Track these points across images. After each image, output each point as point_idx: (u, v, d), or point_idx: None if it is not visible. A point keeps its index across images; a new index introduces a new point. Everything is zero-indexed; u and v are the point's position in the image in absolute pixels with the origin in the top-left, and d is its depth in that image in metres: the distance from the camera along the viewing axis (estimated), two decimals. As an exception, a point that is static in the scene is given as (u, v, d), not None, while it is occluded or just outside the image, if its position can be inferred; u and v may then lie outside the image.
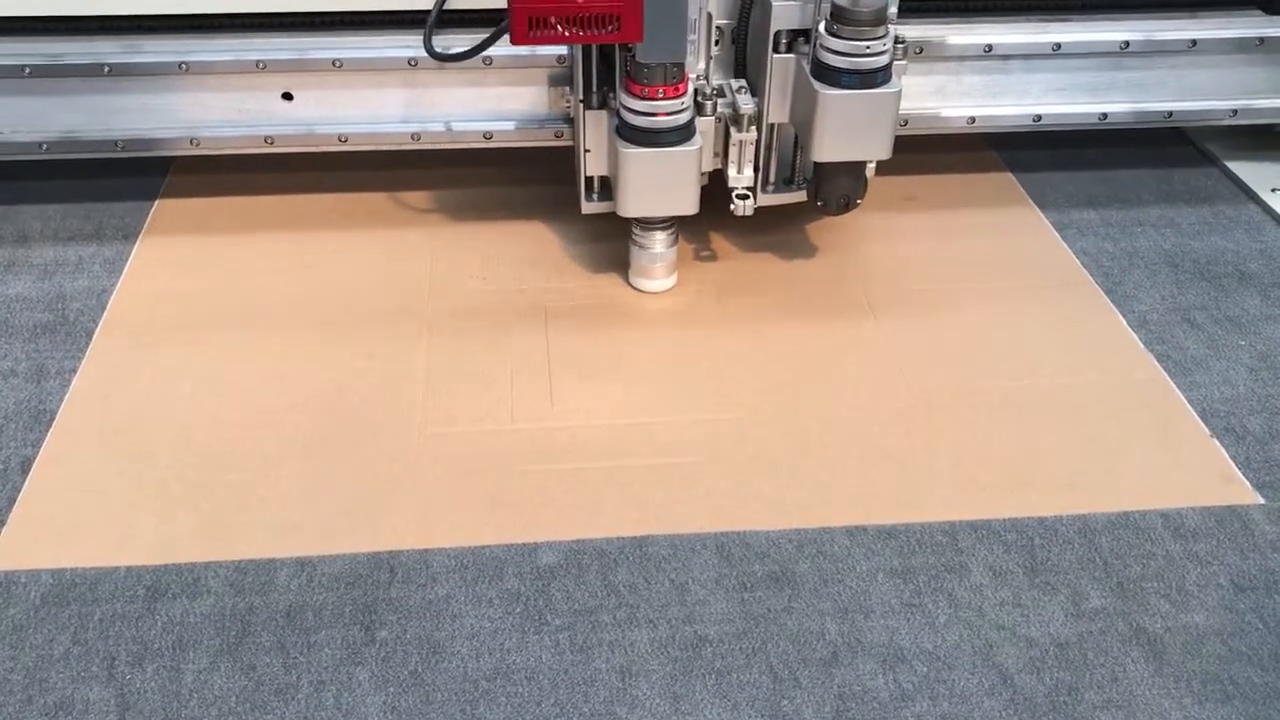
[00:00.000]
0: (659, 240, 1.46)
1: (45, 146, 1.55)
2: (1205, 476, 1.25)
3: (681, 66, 1.31)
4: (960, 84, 1.63)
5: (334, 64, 1.52)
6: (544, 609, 1.09)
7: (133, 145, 1.56)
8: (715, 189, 1.47)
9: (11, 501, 1.19)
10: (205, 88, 1.54)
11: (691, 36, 1.38)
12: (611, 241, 1.54)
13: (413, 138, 1.58)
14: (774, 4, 1.35)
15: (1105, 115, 1.66)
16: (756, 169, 1.45)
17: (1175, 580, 1.13)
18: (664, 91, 1.32)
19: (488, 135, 1.58)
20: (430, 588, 1.11)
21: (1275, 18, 1.67)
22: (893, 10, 1.34)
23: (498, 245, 1.58)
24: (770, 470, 1.24)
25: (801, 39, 1.38)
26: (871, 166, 1.50)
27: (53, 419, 1.29)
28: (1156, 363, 1.40)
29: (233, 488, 1.21)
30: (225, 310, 1.45)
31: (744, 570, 1.13)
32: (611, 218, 1.45)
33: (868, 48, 1.32)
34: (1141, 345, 1.42)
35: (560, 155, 1.57)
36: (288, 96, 1.55)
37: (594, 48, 1.36)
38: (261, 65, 1.52)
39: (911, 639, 1.07)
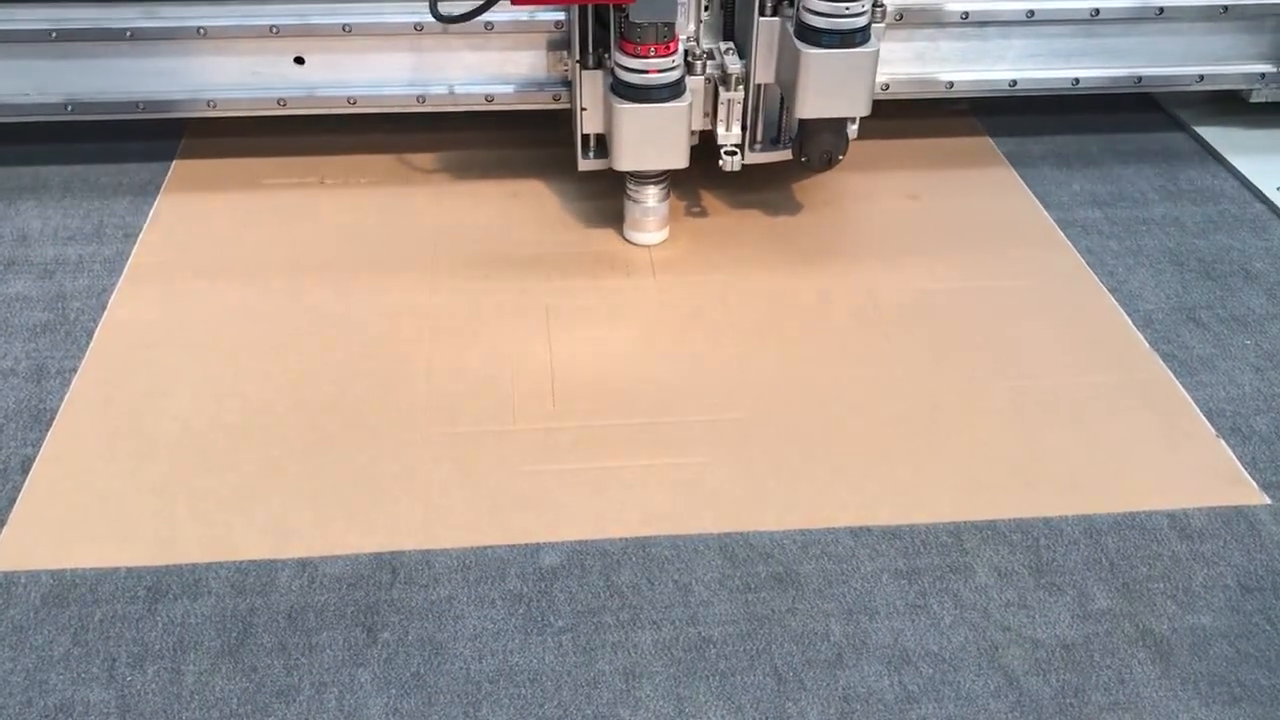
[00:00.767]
0: (651, 195, 1.54)
1: (70, 107, 1.63)
2: (1211, 476, 1.24)
3: (672, 26, 1.40)
4: (938, 50, 1.71)
5: (343, 29, 1.59)
6: (547, 610, 1.09)
7: (152, 107, 1.64)
8: (706, 150, 1.54)
9: (11, 501, 1.18)
10: (221, 52, 1.61)
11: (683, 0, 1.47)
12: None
13: (418, 100, 1.65)
14: None
15: (1078, 80, 1.73)
16: (744, 127, 1.54)
17: (1182, 581, 1.13)
18: (656, 50, 1.41)
19: (489, 98, 1.65)
20: (432, 589, 1.11)
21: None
22: None
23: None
24: (774, 470, 1.23)
25: (786, 2, 1.45)
26: (854, 127, 1.57)
27: (53, 419, 1.29)
28: (1162, 362, 1.39)
29: (234, 488, 1.20)
30: (226, 310, 1.45)
31: (748, 571, 1.13)
32: (607, 175, 1.53)
33: (847, 9, 1.40)
34: (1147, 344, 1.42)
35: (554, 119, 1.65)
36: (299, 60, 1.62)
37: (589, 10, 1.45)
38: (274, 30, 1.59)
39: (917, 640, 1.06)
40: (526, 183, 1.70)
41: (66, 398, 1.31)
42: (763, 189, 1.68)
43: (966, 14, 1.67)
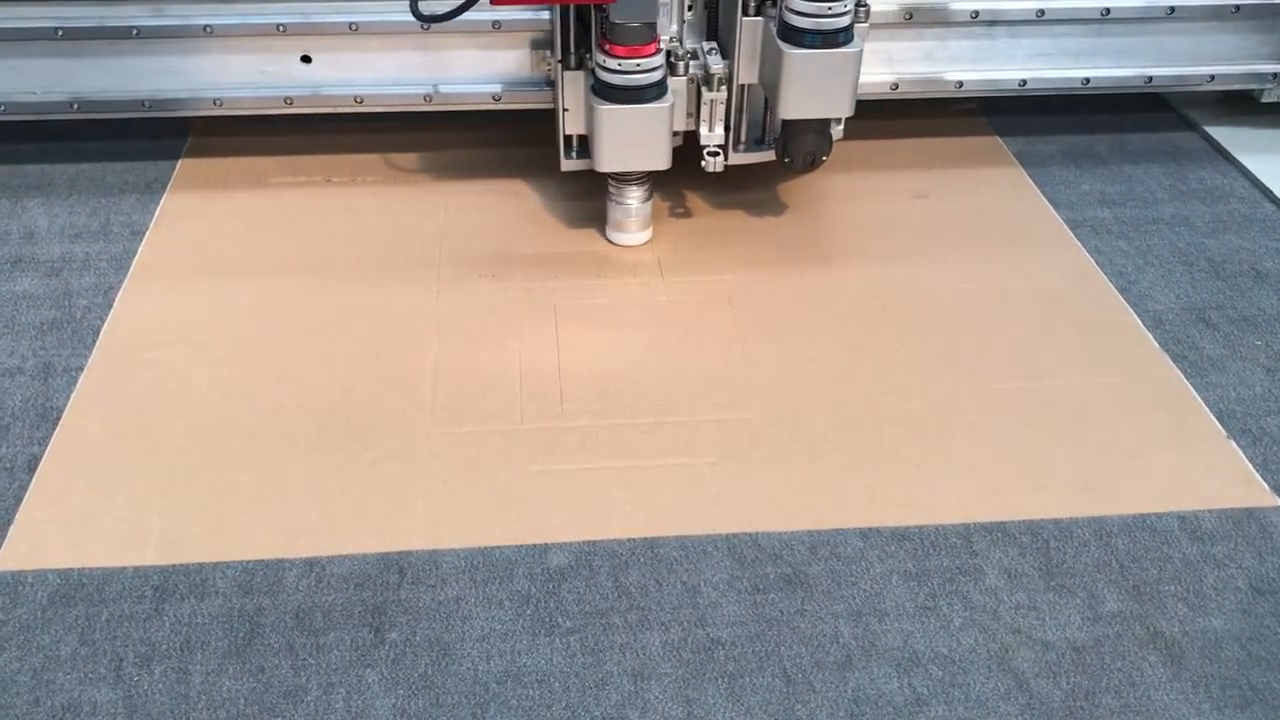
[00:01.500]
0: (634, 195, 1.54)
1: (76, 105, 1.62)
2: (1222, 478, 1.23)
3: (653, 26, 1.40)
4: (947, 49, 1.70)
5: (350, 27, 1.59)
6: (554, 611, 1.08)
7: (159, 105, 1.64)
8: (690, 151, 1.53)
9: (18, 500, 1.18)
10: (228, 50, 1.61)
11: (664, 0, 1.46)
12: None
13: (425, 99, 1.64)
14: None
15: (1088, 80, 1.73)
16: (727, 128, 1.53)
17: (1192, 583, 1.12)
18: (637, 50, 1.39)
19: (496, 97, 1.65)
20: (440, 589, 1.10)
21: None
22: None
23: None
24: (782, 471, 1.23)
25: (769, 2, 1.44)
26: (840, 128, 1.57)
27: (59, 417, 1.28)
28: (1172, 363, 1.38)
29: (241, 488, 1.20)
30: (232, 309, 1.44)
31: (756, 572, 1.12)
32: (590, 175, 1.52)
33: (829, 9, 1.40)
34: (1157, 345, 1.41)
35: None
36: (306, 59, 1.62)
37: (571, 10, 1.43)
38: (281, 29, 1.59)
39: (926, 642, 1.06)
40: (535, 181, 1.69)
41: (73, 396, 1.31)
42: (768, 189, 1.68)
43: (976, 13, 1.66)
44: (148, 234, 1.58)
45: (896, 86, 1.70)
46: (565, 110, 1.49)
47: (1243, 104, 1.83)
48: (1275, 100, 1.79)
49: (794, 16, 1.40)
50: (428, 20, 1.47)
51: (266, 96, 1.63)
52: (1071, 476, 1.23)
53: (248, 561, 1.12)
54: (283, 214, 1.62)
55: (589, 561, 1.13)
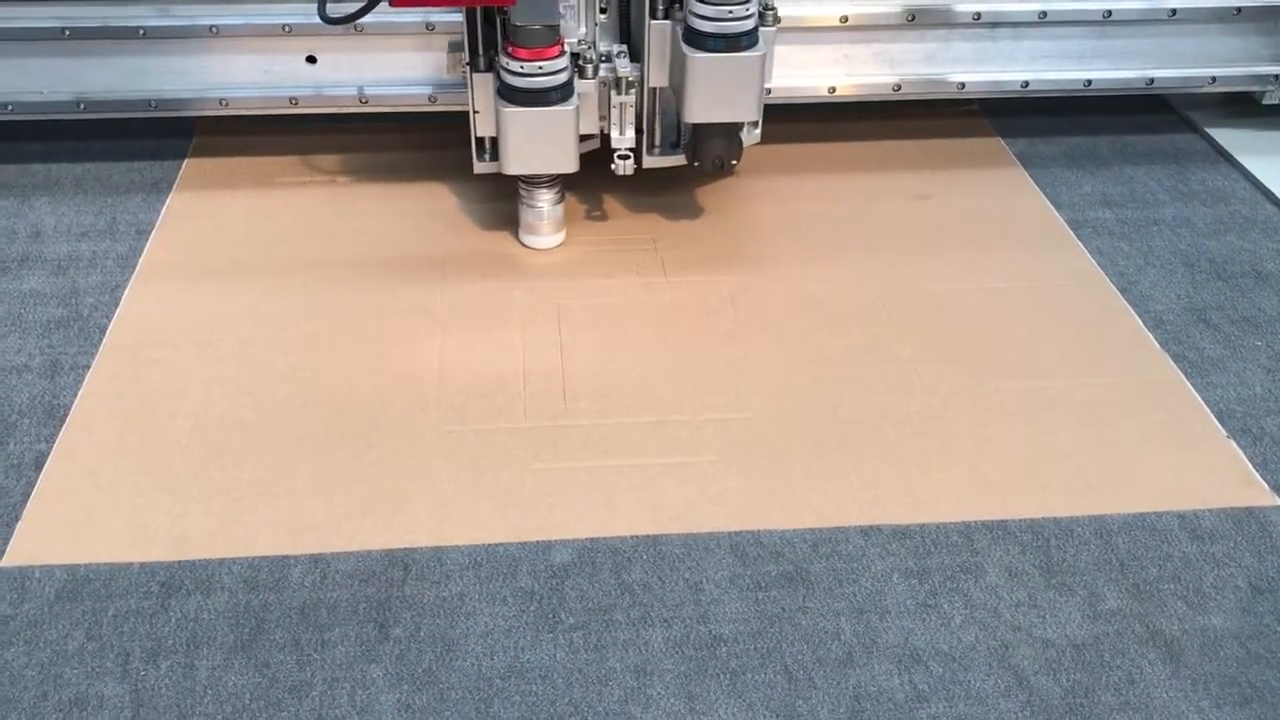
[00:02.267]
0: (544, 198, 1.53)
1: (83, 105, 1.64)
2: (1222, 478, 1.24)
3: (556, 29, 1.39)
4: (950, 51, 1.71)
5: (355, 28, 1.58)
6: (558, 607, 1.09)
7: (165, 105, 1.65)
8: (606, 152, 1.53)
9: (26, 497, 1.19)
10: (233, 50, 1.62)
11: (570, 2, 1.46)
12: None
13: (430, 99, 1.65)
14: None
15: (1089, 82, 1.73)
16: (639, 131, 1.53)
17: (1192, 582, 1.13)
18: (539, 53, 1.39)
19: None
20: (444, 585, 1.11)
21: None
22: None
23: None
24: (784, 469, 1.24)
25: (677, 5, 1.44)
26: (757, 133, 1.57)
27: (67, 414, 1.29)
28: (1173, 363, 1.39)
29: (246, 485, 1.21)
30: (237, 307, 1.45)
31: (758, 570, 1.13)
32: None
33: (730, 12, 1.39)
34: (1158, 345, 1.42)
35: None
36: (311, 59, 1.63)
37: (477, 12, 1.42)
38: (287, 29, 1.59)
39: (927, 640, 1.07)
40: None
41: (80, 394, 1.32)
42: (770, 189, 1.69)
43: (978, 15, 1.67)
44: (154, 233, 1.59)
45: (899, 88, 1.71)
46: (476, 112, 1.49)
47: (1244, 106, 1.83)
48: (1276, 102, 1.79)
49: (697, 20, 1.40)
50: (333, 22, 1.47)
51: (271, 96, 1.64)
52: (1072, 476, 1.23)
53: (253, 558, 1.13)
54: (288, 213, 1.63)
55: (592, 558, 1.14)
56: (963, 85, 1.72)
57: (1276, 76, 1.76)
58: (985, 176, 1.75)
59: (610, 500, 1.20)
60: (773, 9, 1.47)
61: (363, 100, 1.65)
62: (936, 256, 1.56)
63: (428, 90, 1.64)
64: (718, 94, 1.43)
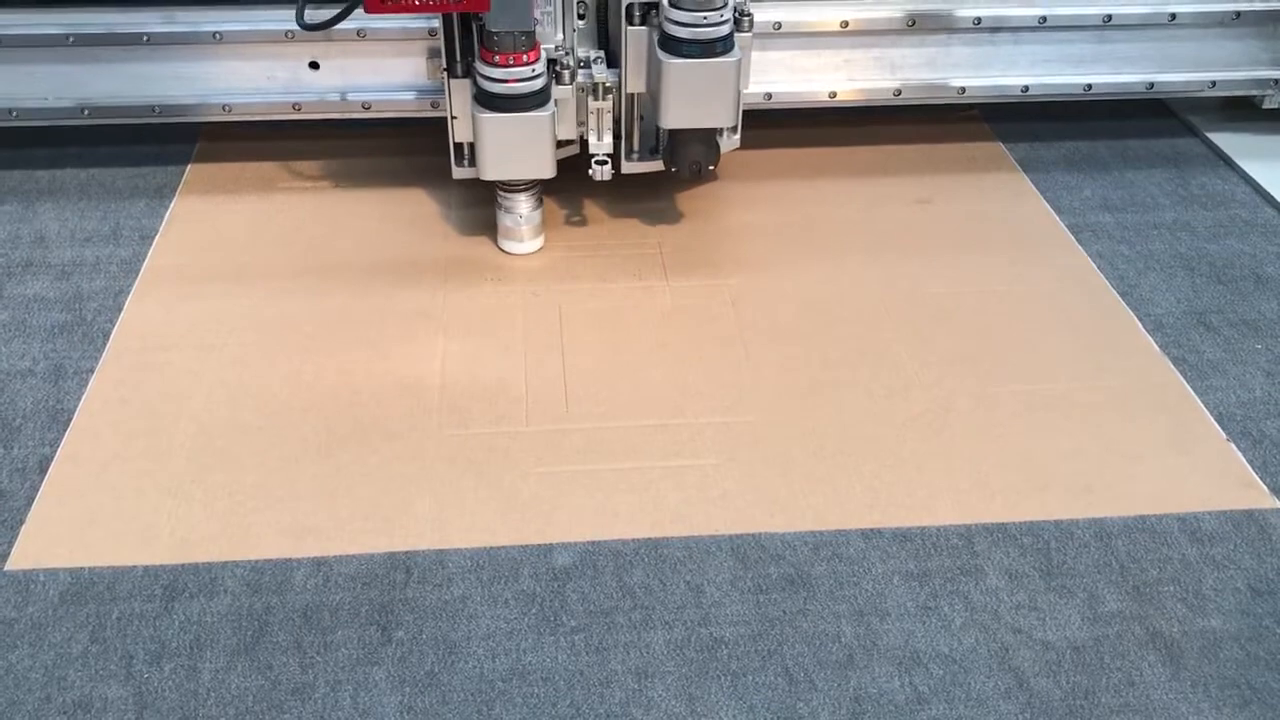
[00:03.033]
0: (522, 204, 1.53)
1: (87, 111, 1.64)
2: (1222, 480, 1.24)
3: (531, 34, 1.39)
4: (950, 55, 1.72)
5: (358, 34, 1.60)
6: (559, 610, 1.10)
7: (168, 111, 1.65)
8: (586, 158, 1.54)
9: (30, 500, 1.20)
10: (237, 56, 1.62)
11: (547, 8, 1.46)
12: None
13: (433, 105, 1.65)
14: None
15: (1090, 86, 1.74)
16: (617, 136, 1.53)
17: (1192, 584, 1.13)
18: (514, 59, 1.39)
19: None
20: (446, 588, 1.11)
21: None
22: None
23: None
24: (785, 472, 1.24)
25: (653, 11, 1.45)
26: (736, 138, 1.57)
27: (70, 418, 1.30)
28: (1173, 366, 1.39)
29: (249, 488, 1.21)
30: (241, 312, 1.46)
31: (759, 572, 1.13)
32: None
33: (705, 18, 1.40)
34: (1158, 349, 1.42)
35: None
36: (314, 65, 1.64)
37: (454, 18, 1.43)
38: (290, 35, 1.60)
39: (927, 642, 1.07)
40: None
41: (84, 398, 1.32)
42: (771, 194, 1.69)
43: (979, 19, 1.68)
44: (157, 238, 1.59)
45: (900, 93, 1.71)
46: (454, 118, 1.49)
47: (1244, 110, 1.84)
48: (1276, 106, 1.80)
49: (672, 26, 1.40)
50: (311, 28, 1.49)
51: (275, 102, 1.65)
52: (1072, 478, 1.24)
53: (256, 561, 1.14)
54: (291, 218, 1.64)
55: (593, 561, 1.14)
56: (963, 90, 1.72)
57: (1276, 81, 1.77)
58: (986, 181, 1.75)
59: (612, 503, 1.20)
60: (749, 15, 1.47)
61: (366, 106, 1.66)
62: (937, 260, 1.57)
63: (431, 95, 1.65)
64: (693, 100, 1.44)
